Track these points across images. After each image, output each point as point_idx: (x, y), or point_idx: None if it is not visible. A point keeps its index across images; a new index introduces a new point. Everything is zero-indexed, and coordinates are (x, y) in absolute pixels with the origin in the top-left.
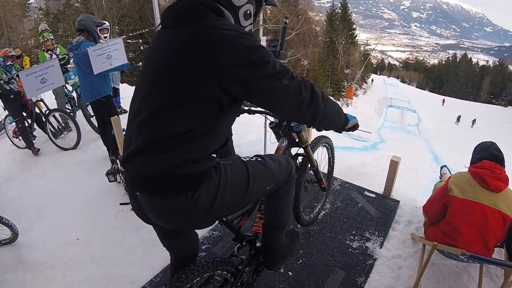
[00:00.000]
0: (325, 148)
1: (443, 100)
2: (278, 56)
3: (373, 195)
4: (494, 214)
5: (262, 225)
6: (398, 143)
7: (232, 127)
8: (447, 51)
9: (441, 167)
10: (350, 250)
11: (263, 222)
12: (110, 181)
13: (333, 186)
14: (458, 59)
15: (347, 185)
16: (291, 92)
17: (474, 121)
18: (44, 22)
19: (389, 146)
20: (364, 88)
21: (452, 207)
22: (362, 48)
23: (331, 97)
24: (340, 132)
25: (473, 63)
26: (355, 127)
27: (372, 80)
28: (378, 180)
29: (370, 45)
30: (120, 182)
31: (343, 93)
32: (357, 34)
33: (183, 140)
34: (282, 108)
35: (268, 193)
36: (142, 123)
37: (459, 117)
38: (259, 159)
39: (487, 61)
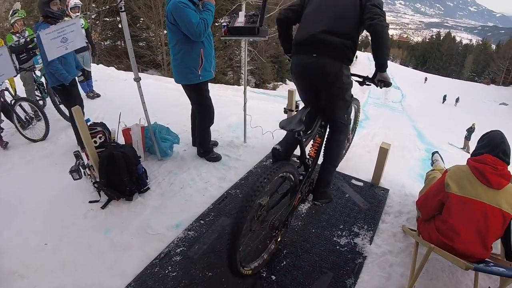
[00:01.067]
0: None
1: (426, 78)
2: (258, 33)
3: (361, 184)
4: (495, 212)
5: (321, 163)
6: (382, 119)
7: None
8: (431, 29)
9: (433, 154)
10: (338, 247)
11: (323, 160)
12: (74, 179)
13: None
14: (442, 37)
15: None
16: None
17: (457, 99)
18: (19, 1)
19: (374, 123)
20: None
21: (449, 204)
22: None
23: None
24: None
25: (457, 41)
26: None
27: (357, 57)
28: (365, 165)
29: None
30: (88, 178)
31: None
32: None
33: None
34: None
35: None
36: (327, 22)
37: (445, 96)
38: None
39: (471, 40)
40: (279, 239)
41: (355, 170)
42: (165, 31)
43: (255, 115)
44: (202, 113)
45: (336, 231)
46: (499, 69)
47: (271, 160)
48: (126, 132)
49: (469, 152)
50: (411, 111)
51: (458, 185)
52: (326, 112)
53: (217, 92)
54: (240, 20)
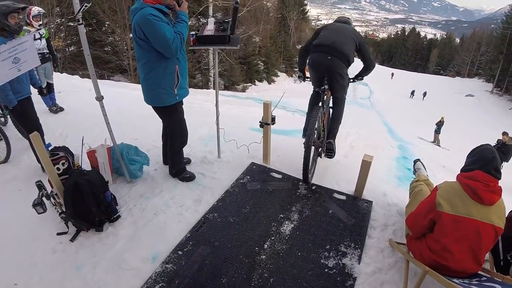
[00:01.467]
0: None
1: (392, 74)
2: (229, 42)
3: (344, 197)
4: (487, 228)
5: (331, 122)
6: (352, 117)
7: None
8: (396, 25)
9: (414, 162)
10: (326, 270)
11: (331, 120)
12: (38, 213)
13: (299, 191)
14: (406, 33)
15: (313, 187)
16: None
17: (425, 94)
18: None
19: (345, 121)
20: None
21: (441, 223)
22: (313, 24)
23: (284, 73)
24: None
25: (421, 36)
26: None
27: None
28: (344, 174)
29: (321, 20)
30: (54, 208)
31: (296, 69)
32: (308, 10)
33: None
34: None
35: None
36: (337, 41)
37: (413, 91)
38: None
39: (435, 35)
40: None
41: (335, 181)
42: (130, 35)
43: (228, 125)
44: (175, 135)
45: (323, 252)
46: (464, 62)
47: (248, 177)
48: (91, 154)
49: (439, 146)
50: (380, 107)
51: (449, 204)
52: (332, 91)
53: (185, 99)
54: (210, 28)
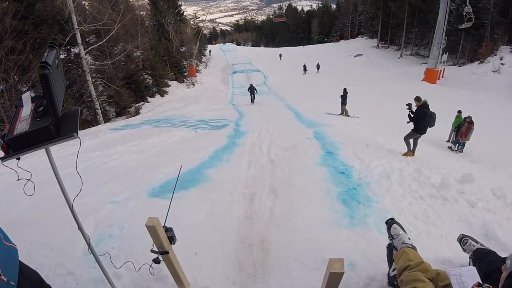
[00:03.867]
0: None
1: (280, 55)
2: (59, 133)
3: None
4: None
5: None
6: (255, 110)
7: None
8: (272, 5)
9: (388, 224)
10: None
11: None
12: None
13: None
14: (284, 11)
15: None
16: None
17: (318, 66)
18: None
19: (250, 120)
20: (204, 62)
21: None
22: (192, 22)
23: (175, 81)
24: None
25: (299, 10)
26: None
27: (210, 51)
28: None
29: (199, 17)
30: None
31: (185, 73)
32: (184, 10)
33: None
34: None
35: None
36: None
37: (304, 66)
38: None
39: (311, 6)
40: None
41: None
42: None
43: (118, 215)
44: None
45: None
46: (345, 25)
47: None
48: None
49: (348, 115)
50: (277, 90)
51: None
52: None
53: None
54: (25, 115)
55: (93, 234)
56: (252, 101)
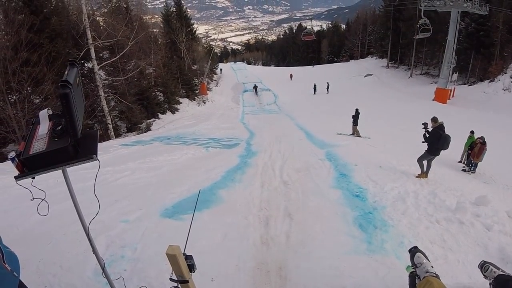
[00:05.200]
0: None
1: (291, 75)
2: (77, 155)
3: None
4: None
5: None
6: (265, 129)
7: None
8: (282, 25)
9: (412, 253)
10: None
11: None
12: None
13: None
14: (294, 30)
15: None
16: None
17: (328, 86)
18: None
19: (261, 139)
20: (215, 80)
21: None
22: (203, 41)
23: (186, 98)
24: None
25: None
26: None
27: (221, 70)
28: None
29: (210, 36)
30: None
31: (196, 91)
32: (196, 29)
33: None
34: None
35: None
36: None
37: (315, 86)
38: None
39: (321, 26)
40: None
41: None
42: None
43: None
44: None
45: None
46: (354, 45)
47: None
48: None
49: (360, 136)
50: (288, 109)
51: None
52: None
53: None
54: (42, 133)
55: (104, 254)
56: (256, 93)
